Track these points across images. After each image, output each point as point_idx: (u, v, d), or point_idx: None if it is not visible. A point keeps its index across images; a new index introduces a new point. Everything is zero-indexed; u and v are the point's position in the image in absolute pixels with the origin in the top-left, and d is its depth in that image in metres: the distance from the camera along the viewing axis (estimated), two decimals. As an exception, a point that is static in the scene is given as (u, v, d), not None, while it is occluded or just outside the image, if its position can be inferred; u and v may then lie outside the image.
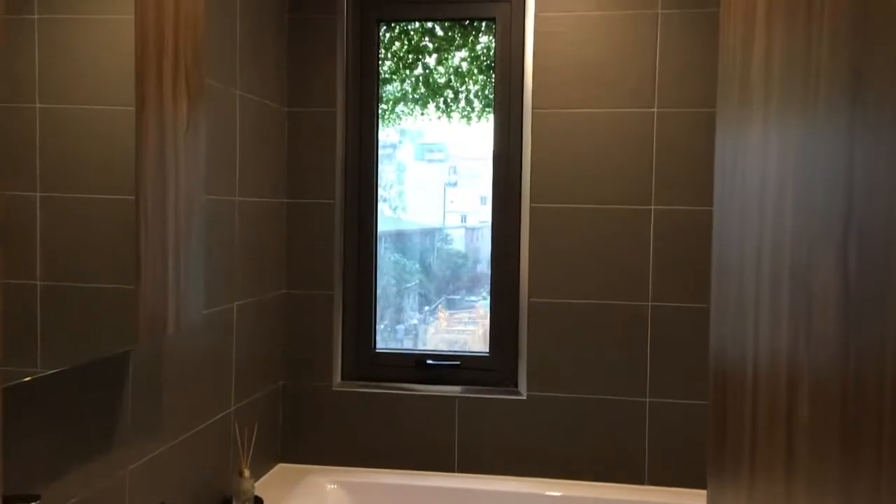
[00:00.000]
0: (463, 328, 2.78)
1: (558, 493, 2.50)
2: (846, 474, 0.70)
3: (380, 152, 2.74)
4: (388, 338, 2.83)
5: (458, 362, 2.66)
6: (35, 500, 1.20)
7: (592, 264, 2.53)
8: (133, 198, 1.48)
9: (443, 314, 2.82)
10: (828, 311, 0.74)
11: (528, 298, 2.57)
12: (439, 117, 2.75)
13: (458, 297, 2.83)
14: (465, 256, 2.86)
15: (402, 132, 2.84)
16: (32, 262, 1.28)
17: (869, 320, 0.66)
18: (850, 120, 0.71)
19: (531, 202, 2.55)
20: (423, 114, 2.77)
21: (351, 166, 2.69)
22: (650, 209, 2.49)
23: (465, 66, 2.74)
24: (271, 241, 2.56)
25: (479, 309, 2.72)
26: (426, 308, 2.83)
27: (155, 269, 1.53)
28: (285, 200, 2.65)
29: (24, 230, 1.27)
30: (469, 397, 2.61)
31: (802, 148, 0.84)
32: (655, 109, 2.49)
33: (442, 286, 2.84)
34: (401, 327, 2.84)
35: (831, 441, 0.74)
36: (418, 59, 2.76)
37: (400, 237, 2.89)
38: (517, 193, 2.59)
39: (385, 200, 2.82)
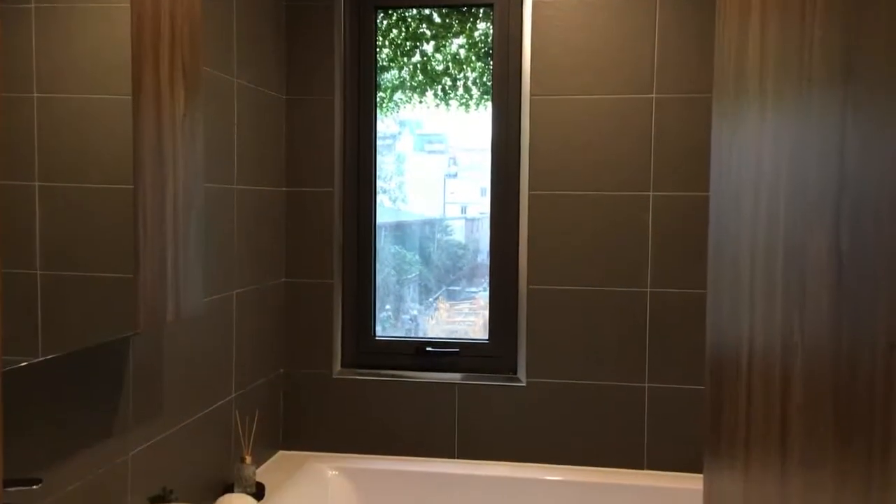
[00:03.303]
0: (463, 319, 2.79)
1: (558, 478, 2.52)
2: (839, 452, 0.71)
3: (379, 143, 2.74)
4: (391, 328, 2.84)
5: (458, 349, 2.67)
6: (36, 484, 1.21)
7: (591, 251, 2.54)
8: (131, 187, 1.49)
9: (443, 305, 2.82)
10: (821, 290, 0.75)
11: (528, 285, 2.57)
12: (437, 105, 2.75)
13: (458, 287, 2.84)
14: (465, 247, 2.86)
15: (402, 123, 2.84)
16: (32, 252, 1.29)
17: (861, 297, 0.66)
18: (842, 103, 0.71)
19: (530, 189, 2.56)
20: (421, 101, 2.77)
21: (349, 154, 2.69)
22: (649, 195, 2.50)
23: (462, 53, 2.74)
24: (270, 230, 2.56)
25: (480, 300, 2.73)
26: (427, 299, 2.84)
27: (154, 257, 1.53)
28: (284, 189, 2.66)
29: (23, 220, 1.27)
30: (469, 384, 2.62)
31: (796, 132, 0.85)
32: (654, 95, 2.49)
33: (442, 277, 2.85)
34: (404, 317, 2.85)
35: (825, 420, 0.75)
36: (416, 47, 2.76)
37: (400, 228, 2.90)
38: (516, 180, 2.59)
39: (385, 192, 2.82)
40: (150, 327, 1.60)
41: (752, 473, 0.97)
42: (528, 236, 2.57)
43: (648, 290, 2.51)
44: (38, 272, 1.30)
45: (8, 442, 1.33)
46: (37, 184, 1.31)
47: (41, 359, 1.29)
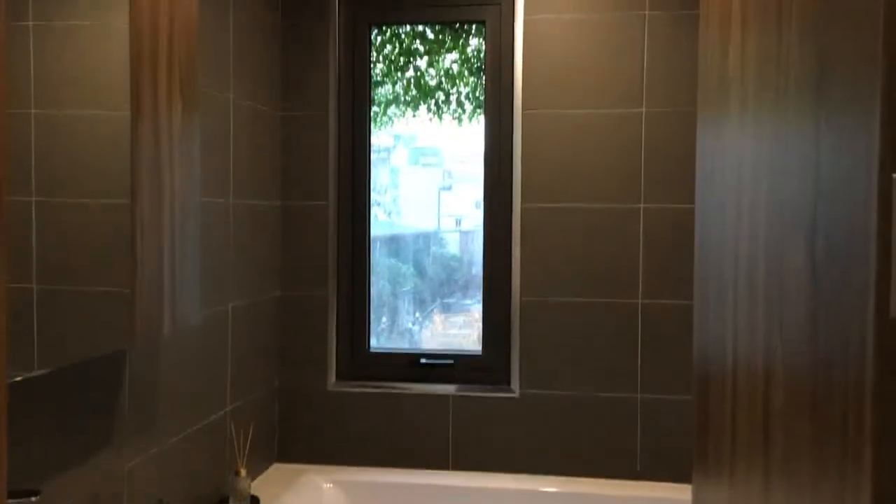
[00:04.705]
0: (458, 331, 2.81)
1: (553, 489, 2.53)
2: (816, 455, 0.73)
3: (374, 157, 2.77)
4: (387, 341, 2.86)
5: (452, 361, 2.69)
6: (35, 496, 1.22)
7: (583, 263, 2.57)
8: (128, 202, 1.50)
9: (438, 317, 2.84)
10: (799, 300, 0.77)
11: (520, 297, 2.60)
12: (430, 119, 2.78)
13: (453, 300, 2.85)
14: (459, 260, 2.88)
15: (396, 137, 2.87)
16: (28, 266, 1.30)
17: (834, 302, 0.69)
18: (815, 114, 0.74)
19: (522, 202, 2.58)
20: (414, 115, 2.80)
21: (344, 167, 2.72)
22: (639, 207, 2.53)
23: (455, 68, 2.77)
24: (265, 243, 2.58)
25: (475, 312, 2.74)
26: (421, 312, 2.85)
27: (150, 271, 1.55)
28: (279, 203, 2.68)
29: (20, 234, 1.29)
30: (463, 395, 2.64)
31: (774, 142, 0.87)
32: (644, 109, 2.52)
33: (437, 290, 2.86)
34: (400, 330, 2.87)
35: (803, 422, 0.77)
36: (409, 62, 2.79)
37: (394, 241, 2.92)
38: (508, 193, 2.62)
39: (379, 205, 2.84)
40: (146, 341, 1.61)
41: (737, 480, 0.99)
42: (521, 248, 2.59)
43: (640, 301, 2.54)
44: (35, 286, 1.31)
45: (6, 455, 1.34)
46: (34, 199, 1.32)
47: (37, 373, 1.30)
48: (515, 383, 2.61)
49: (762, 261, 0.90)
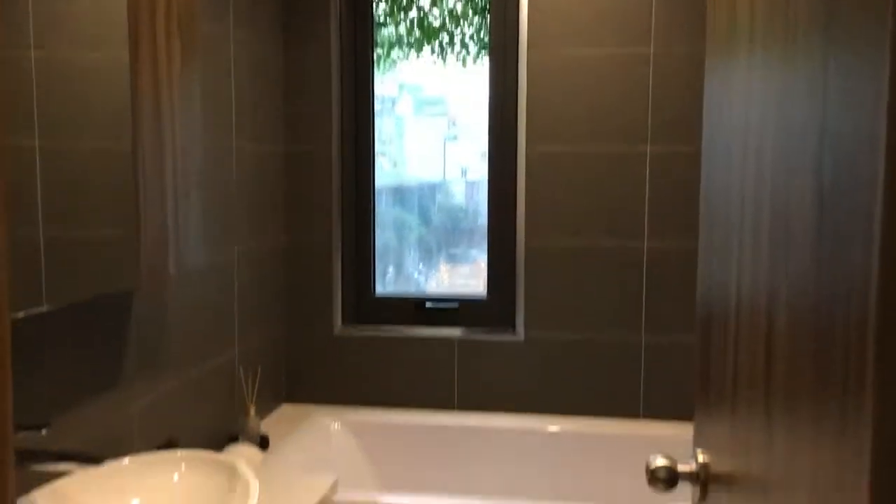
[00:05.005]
0: (464, 282, 2.81)
1: (557, 429, 2.57)
2: (818, 393, 0.74)
3: (379, 106, 2.74)
4: (393, 290, 2.86)
5: (457, 305, 2.71)
6: (44, 428, 1.25)
7: (588, 206, 2.56)
8: (129, 145, 1.50)
9: (444, 268, 2.85)
10: (804, 233, 0.77)
11: (525, 241, 2.60)
12: (434, 63, 2.74)
13: (458, 250, 2.85)
14: (465, 210, 2.87)
15: (401, 86, 2.83)
16: (35, 210, 1.31)
17: (839, 236, 0.69)
18: (823, 48, 0.73)
19: (527, 145, 2.56)
20: (418, 56, 2.76)
21: (347, 110, 2.70)
22: (646, 150, 2.51)
23: (459, 7, 2.72)
24: (270, 188, 2.58)
25: (480, 263, 2.74)
26: (427, 263, 2.86)
27: (154, 213, 1.55)
28: (282, 147, 2.67)
29: (25, 179, 1.29)
30: (468, 339, 2.66)
31: (782, 79, 0.86)
32: (651, 50, 2.48)
33: (443, 240, 2.86)
34: (407, 280, 2.87)
35: (805, 363, 0.78)
36: (413, 2, 2.74)
37: (400, 192, 2.90)
38: (513, 136, 2.59)
39: (385, 155, 2.82)
40: (151, 283, 1.62)
41: (738, 417, 1.01)
42: (526, 192, 2.58)
43: (645, 244, 2.54)
44: (42, 231, 1.32)
45: (15, 389, 1.37)
46: (37, 143, 1.32)
47: (45, 309, 1.32)
48: (520, 326, 2.63)
49: (768, 202, 0.89)
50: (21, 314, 1.27)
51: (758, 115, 0.94)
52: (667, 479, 1.17)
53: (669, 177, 2.50)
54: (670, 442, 2.52)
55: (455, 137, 2.85)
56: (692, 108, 2.44)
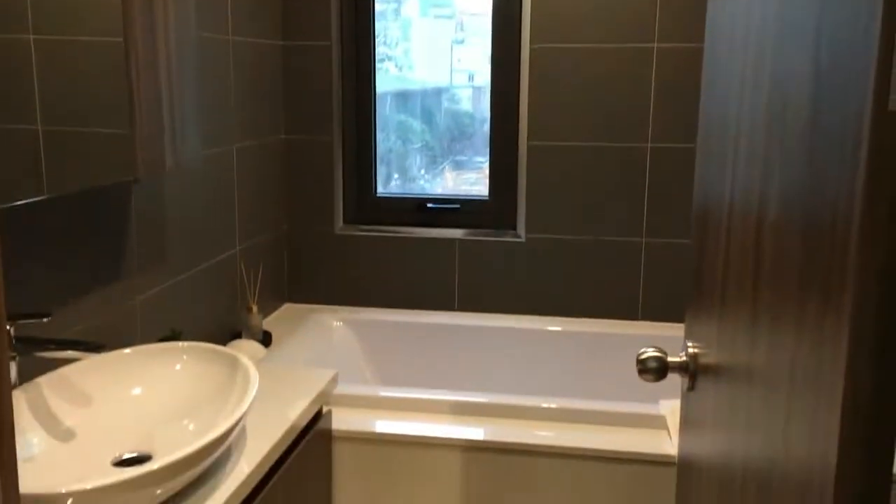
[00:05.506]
0: (469, 187, 2.79)
1: (557, 328, 2.61)
2: (802, 290, 0.75)
3: (384, 7, 2.65)
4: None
5: (458, 206, 2.71)
6: (46, 317, 1.28)
7: (592, 106, 2.51)
8: (121, 39, 1.47)
9: (449, 174, 2.82)
10: (800, 130, 0.76)
11: (528, 141, 2.57)
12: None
13: (464, 157, 2.82)
14: (471, 116, 2.82)
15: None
16: (32, 107, 1.30)
17: (831, 134, 0.68)
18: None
19: (531, 42, 2.50)
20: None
21: (347, 4, 2.62)
22: (652, 47, 2.44)
23: None
24: (268, 84, 2.54)
25: (486, 169, 2.72)
26: (433, 169, 2.82)
27: (149, 106, 1.54)
28: (280, 42, 2.61)
29: (22, 75, 1.27)
30: (468, 240, 2.67)
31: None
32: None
33: (449, 146, 2.82)
34: (411, 185, 2.85)
35: (792, 261, 0.78)
36: None
37: (406, 97, 2.84)
38: (517, 32, 2.53)
39: (391, 59, 2.75)
40: (149, 174, 1.62)
41: (727, 310, 1.02)
42: (529, 91, 2.54)
43: (649, 145, 2.51)
44: (40, 127, 1.31)
45: (18, 278, 1.39)
46: (31, 36, 1.29)
47: (46, 196, 1.32)
48: (521, 228, 2.63)
49: (765, 104, 0.88)
50: (23, 201, 1.28)
51: (758, 14, 0.92)
52: (657, 370, 1.20)
53: (676, 75, 2.45)
54: (667, 342, 2.56)
55: (462, 41, 2.77)
56: (700, 5, 2.36)
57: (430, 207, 2.71)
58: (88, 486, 0.98)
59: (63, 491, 0.97)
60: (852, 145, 0.62)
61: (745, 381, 0.92)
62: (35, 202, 1.40)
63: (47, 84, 1.32)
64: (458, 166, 2.82)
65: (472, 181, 2.78)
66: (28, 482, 0.97)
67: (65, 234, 1.53)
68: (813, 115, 0.72)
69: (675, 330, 2.55)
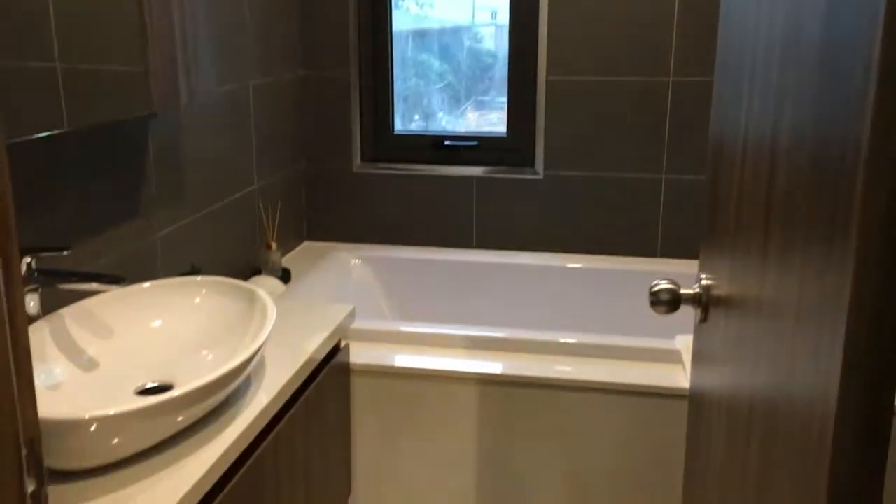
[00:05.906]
0: (492, 128, 2.76)
1: (575, 265, 2.61)
2: (811, 225, 0.74)
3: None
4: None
5: (476, 143, 2.69)
6: (66, 250, 1.30)
7: (613, 39, 2.46)
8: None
9: (472, 115, 2.79)
10: (810, 68, 0.75)
11: (546, 76, 2.53)
12: None
13: (487, 97, 2.77)
14: (494, 56, 2.77)
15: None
16: (50, 46, 1.30)
17: (841, 72, 0.67)
18: None
19: (551, -27, 2.44)
20: None
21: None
22: (676, -21, 2.37)
23: None
24: (283, 18, 2.51)
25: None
26: (455, 109, 2.78)
27: (161, 39, 1.53)
28: (296, -24, 2.57)
29: (38, 12, 1.27)
30: (486, 177, 2.66)
31: None
32: None
33: (471, 86, 2.78)
34: (433, 126, 2.82)
35: (802, 196, 0.77)
36: None
37: (427, 35, 2.78)
38: (537, -36, 2.47)
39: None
40: (163, 108, 1.62)
41: (739, 243, 1.02)
42: (549, 25, 2.48)
43: (671, 79, 2.46)
44: (58, 61, 1.31)
45: (37, 213, 1.42)
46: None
47: (66, 129, 1.34)
48: (539, 164, 2.62)
49: (779, 40, 0.86)
50: (43, 134, 1.30)
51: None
52: (669, 301, 1.20)
53: (698, 7, 2.38)
54: (686, 279, 2.55)
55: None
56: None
57: (448, 145, 2.70)
58: (111, 411, 1.01)
59: (87, 416, 1.00)
60: (863, 77, 0.61)
61: (753, 313, 0.93)
62: (56, 138, 1.42)
63: (64, 24, 1.32)
64: (481, 106, 2.78)
65: (495, 122, 2.75)
66: (52, 408, 1.01)
67: (85, 172, 1.55)
68: (825, 45, 0.70)
69: (694, 267, 2.53)
